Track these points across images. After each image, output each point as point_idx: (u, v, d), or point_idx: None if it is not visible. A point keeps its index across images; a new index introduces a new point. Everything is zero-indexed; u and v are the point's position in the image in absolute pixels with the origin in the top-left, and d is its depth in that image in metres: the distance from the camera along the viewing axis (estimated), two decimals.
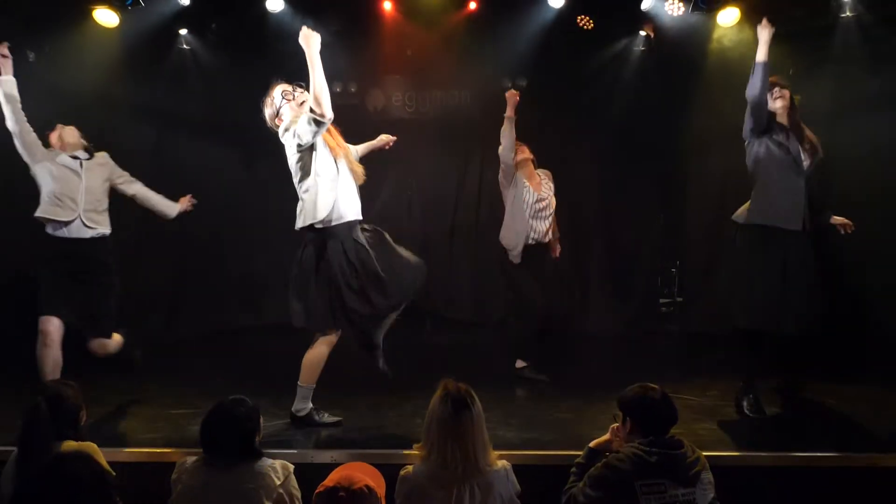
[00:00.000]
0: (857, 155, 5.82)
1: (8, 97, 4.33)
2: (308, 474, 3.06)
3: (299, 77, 4.02)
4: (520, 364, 5.34)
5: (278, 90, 4.16)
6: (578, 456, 3.11)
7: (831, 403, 4.64)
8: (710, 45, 6.08)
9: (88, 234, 4.40)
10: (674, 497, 2.72)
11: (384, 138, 4.64)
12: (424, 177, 7.14)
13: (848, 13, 5.65)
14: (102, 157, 4.62)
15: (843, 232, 4.58)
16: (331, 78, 6.51)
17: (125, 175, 4.69)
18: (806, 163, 4.50)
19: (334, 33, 6.21)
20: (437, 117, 6.96)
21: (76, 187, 4.39)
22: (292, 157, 4.07)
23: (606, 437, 3.08)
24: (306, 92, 3.99)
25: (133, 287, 6.58)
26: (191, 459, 2.81)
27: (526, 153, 5.39)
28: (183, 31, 6.21)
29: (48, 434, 2.81)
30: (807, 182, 4.50)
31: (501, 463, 2.84)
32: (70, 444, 2.82)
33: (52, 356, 4.29)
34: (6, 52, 4.36)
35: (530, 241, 5.32)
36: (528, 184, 5.35)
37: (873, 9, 5.58)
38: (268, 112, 4.18)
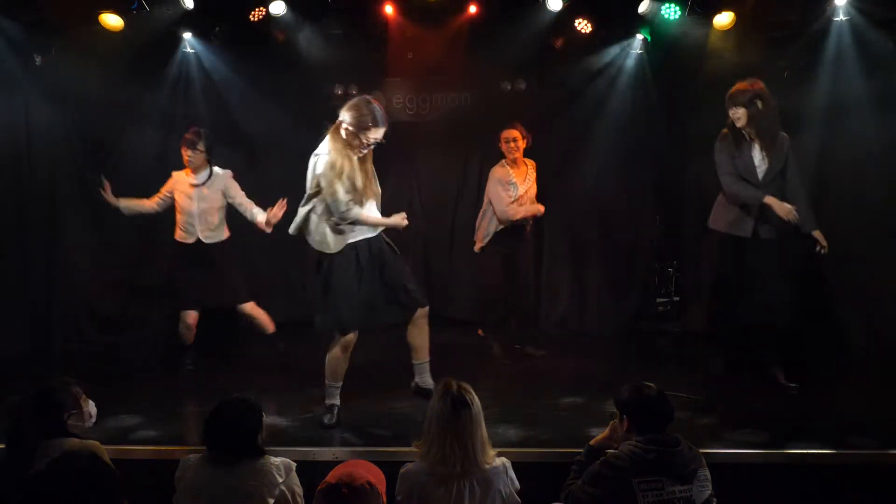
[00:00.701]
0: (852, 156, 5.81)
1: (134, 213, 5.37)
2: (310, 472, 3.06)
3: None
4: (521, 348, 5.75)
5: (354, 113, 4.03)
6: (578, 453, 3.10)
7: (827, 400, 4.62)
8: (707, 48, 6.06)
9: (209, 241, 5.22)
10: (671, 494, 2.71)
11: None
12: (425, 178, 7.12)
13: (841, 17, 5.62)
14: (222, 175, 5.23)
15: (817, 249, 4.68)
16: (332, 80, 6.61)
17: (237, 195, 5.23)
18: (763, 169, 4.60)
19: (335, 36, 6.21)
20: (437, 119, 6.94)
21: (193, 212, 5.16)
22: (310, 180, 4.08)
23: (606, 434, 3.07)
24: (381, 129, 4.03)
25: (136, 286, 6.61)
26: (194, 457, 2.80)
27: (518, 148, 5.50)
28: (187, 35, 6.17)
29: (30, 432, 2.80)
30: (769, 189, 4.61)
31: (500, 460, 2.84)
32: (74, 442, 2.81)
33: (191, 337, 5.29)
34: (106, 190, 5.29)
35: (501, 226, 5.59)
36: (513, 177, 5.52)
37: (866, 13, 5.56)
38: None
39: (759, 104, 4.57)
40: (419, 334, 4.28)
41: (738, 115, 4.59)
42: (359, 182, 4.01)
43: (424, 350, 4.32)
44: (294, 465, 2.84)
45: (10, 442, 2.86)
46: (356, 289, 4.04)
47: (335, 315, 4.04)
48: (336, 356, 4.16)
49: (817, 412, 4.42)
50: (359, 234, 4.10)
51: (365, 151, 4.08)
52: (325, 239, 4.05)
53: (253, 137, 6.73)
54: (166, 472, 2.86)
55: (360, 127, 3.97)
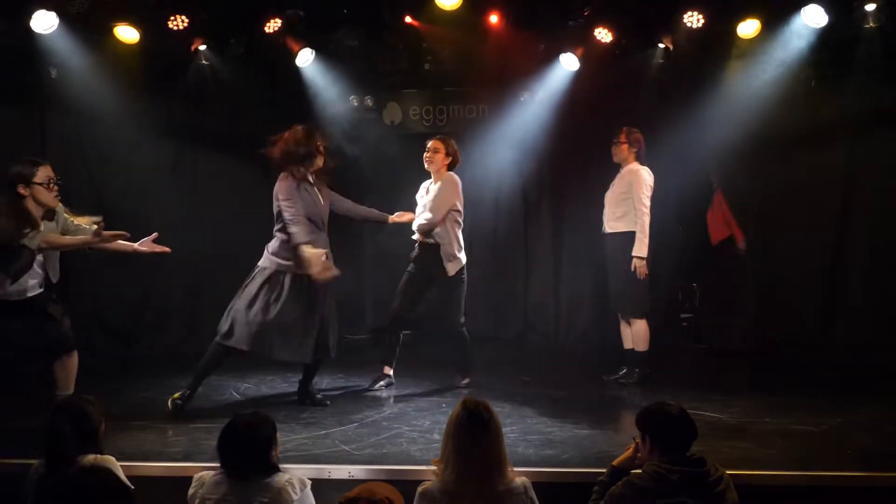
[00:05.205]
0: (884, 165, 5.80)
1: None
2: (325, 489, 3.07)
3: None
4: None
5: None
6: (601, 474, 3.08)
7: (857, 421, 4.56)
8: (731, 57, 6.07)
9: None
10: None
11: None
12: None
13: (871, 24, 5.59)
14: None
15: None
16: (346, 91, 6.68)
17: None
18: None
19: (351, 48, 6.27)
20: (454, 132, 6.97)
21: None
22: None
23: (628, 454, 3.06)
24: None
25: (151, 299, 6.69)
26: (208, 474, 2.82)
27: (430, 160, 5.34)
28: (202, 47, 6.25)
29: (72, 450, 2.83)
30: None
31: (520, 480, 2.82)
32: (89, 458, 2.84)
33: None
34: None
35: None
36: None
37: None
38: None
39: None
40: None
41: None
42: None
43: None
44: (309, 482, 2.85)
45: (51, 457, 2.87)
46: None
47: None
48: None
49: (853, 431, 4.37)
50: None
51: None
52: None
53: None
54: (180, 490, 2.88)
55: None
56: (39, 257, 4.29)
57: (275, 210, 4.75)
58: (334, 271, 4.62)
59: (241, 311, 4.67)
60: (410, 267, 5.34)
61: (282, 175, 4.74)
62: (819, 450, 4.07)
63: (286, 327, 4.64)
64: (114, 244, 4.44)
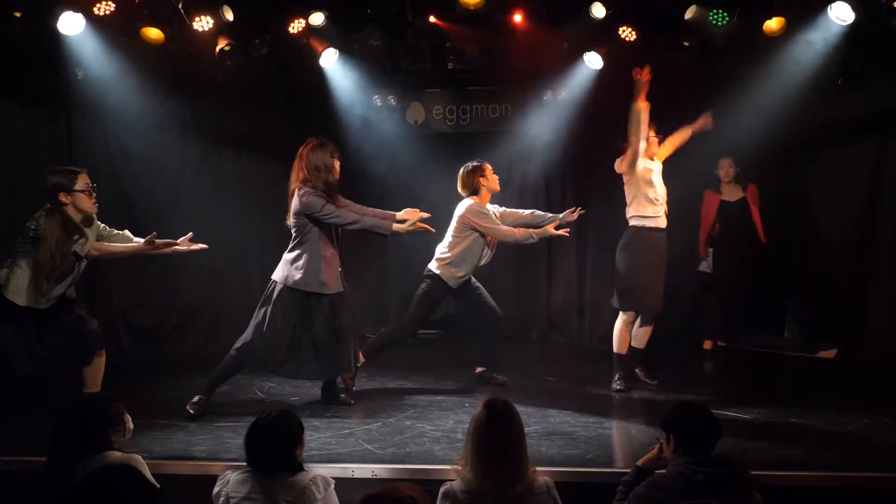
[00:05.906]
0: None
1: None
2: (348, 488, 3.08)
3: None
4: (479, 369, 5.57)
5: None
6: (625, 474, 3.07)
7: (884, 422, 4.50)
8: (756, 55, 6.01)
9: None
10: None
11: None
12: None
13: None
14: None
15: None
16: (370, 91, 6.69)
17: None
18: None
19: (375, 47, 6.29)
20: (477, 131, 6.97)
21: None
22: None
23: (653, 454, 3.04)
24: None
25: (177, 300, 6.75)
26: (232, 472, 2.84)
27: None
28: (226, 48, 6.28)
29: (72, 449, 2.87)
30: None
31: (543, 479, 2.82)
32: (115, 456, 2.87)
33: None
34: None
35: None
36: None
37: None
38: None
39: None
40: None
41: None
42: None
43: None
44: (332, 481, 2.87)
45: (53, 455, 2.93)
46: None
47: None
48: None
49: (881, 432, 4.31)
50: None
51: None
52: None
53: (292, 150, 6.87)
54: (205, 488, 2.91)
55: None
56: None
57: (293, 227, 4.67)
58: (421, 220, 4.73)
59: (258, 327, 4.64)
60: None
61: (304, 191, 4.60)
62: (846, 451, 4.02)
63: (298, 346, 4.62)
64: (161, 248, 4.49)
